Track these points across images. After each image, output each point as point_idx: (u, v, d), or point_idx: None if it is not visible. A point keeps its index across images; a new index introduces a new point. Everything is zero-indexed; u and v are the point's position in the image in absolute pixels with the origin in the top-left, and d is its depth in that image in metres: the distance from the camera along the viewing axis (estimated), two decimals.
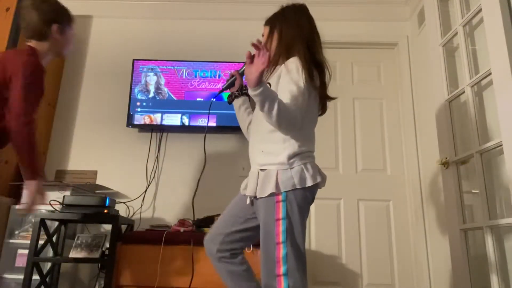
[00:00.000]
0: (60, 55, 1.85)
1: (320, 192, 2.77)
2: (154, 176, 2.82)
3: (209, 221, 2.35)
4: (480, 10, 1.89)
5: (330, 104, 1.53)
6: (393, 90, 3.01)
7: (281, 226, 1.34)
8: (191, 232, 2.26)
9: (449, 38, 2.20)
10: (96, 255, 2.30)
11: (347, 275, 2.64)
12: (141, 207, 2.74)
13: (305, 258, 1.37)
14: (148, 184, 2.79)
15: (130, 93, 2.84)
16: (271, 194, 1.37)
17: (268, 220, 1.38)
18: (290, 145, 1.41)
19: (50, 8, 1.75)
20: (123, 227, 2.50)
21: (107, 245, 2.31)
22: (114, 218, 2.24)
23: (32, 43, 1.70)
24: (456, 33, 2.12)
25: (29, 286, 2.10)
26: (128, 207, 2.71)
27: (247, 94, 1.72)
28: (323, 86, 1.50)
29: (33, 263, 2.14)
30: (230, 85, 1.70)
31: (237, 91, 1.71)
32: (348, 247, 2.70)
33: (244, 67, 1.66)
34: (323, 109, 1.57)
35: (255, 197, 1.43)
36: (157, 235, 2.19)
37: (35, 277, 2.15)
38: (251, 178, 1.48)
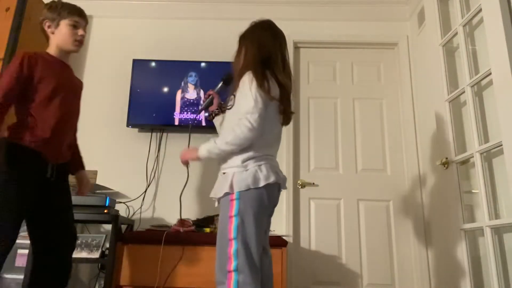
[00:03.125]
0: (67, 51, 1.83)
1: (320, 192, 2.80)
2: (154, 176, 2.82)
3: (209, 221, 2.35)
4: (480, 10, 1.89)
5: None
6: (393, 90, 3.01)
7: (233, 223, 1.44)
8: (191, 232, 2.26)
9: (449, 38, 2.20)
10: (96, 255, 2.30)
11: (347, 275, 2.65)
12: (141, 207, 2.74)
13: (257, 255, 1.43)
14: (148, 184, 2.79)
15: (130, 93, 2.84)
16: (226, 194, 1.49)
17: (223, 218, 1.49)
18: (245, 151, 1.51)
19: (45, 7, 1.85)
20: (123, 227, 2.50)
21: (107, 245, 2.31)
22: (114, 218, 2.24)
23: None
24: (456, 33, 2.12)
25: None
26: (128, 207, 2.71)
27: (224, 112, 1.82)
28: (285, 102, 1.59)
29: None
30: (208, 104, 1.83)
31: (216, 109, 1.81)
32: (348, 247, 2.69)
33: (219, 86, 1.84)
34: (286, 121, 1.66)
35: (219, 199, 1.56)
36: (157, 235, 2.19)
37: None
38: (216, 182, 1.62)
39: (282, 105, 1.59)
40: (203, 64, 2.90)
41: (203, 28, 3.11)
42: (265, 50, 1.62)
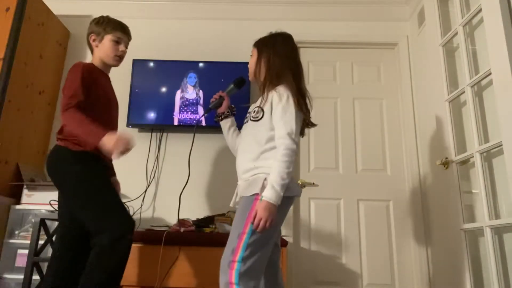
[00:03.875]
0: (108, 63, 1.94)
1: (320, 192, 2.80)
2: (154, 176, 2.82)
3: (209, 221, 2.35)
4: (480, 10, 1.89)
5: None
6: (393, 90, 3.01)
7: (252, 219, 1.43)
8: (191, 232, 2.26)
9: (449, 38, 2.20)
10: None
11: (347, 275, 2.64)
12: (141, 207, 2.74)
13: (267, 252, 1.47)
14: (148, 184, 2.79)
15: (130, 93, 2.84)
16: (255, 195, 1.48)
17: (242, 212, 1.48)
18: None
19: (93, 21, 1.96)
20: None
21: None
22: None
23: None
24: (456, 33, 2.12)
25: (29, 286, 2.11)
26: (128, 207, 2.71)
27: (234, 115, 1.84)
28: (307, 113, 1.62)
29: (33, 263, 2.14)
30: (218, 105, 1.81)
31: (227, 111, 1.80)
32: (348, 247, 2.70)
33: (230, 88, 1.81)
34: (302, 134, 1.68)
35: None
36: (157, 235, 2.19)
37: (35, 277, 2.15)
38: (238, 189, 1.62)
39: (307, 118, 1.62)
40: (202, 64, 2.90)
41: (203, 28, 3.11)
42: (293, 62, 1.64)
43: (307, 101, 1.63)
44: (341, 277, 2.64)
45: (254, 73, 1.68)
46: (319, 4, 3.14)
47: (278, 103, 1.53)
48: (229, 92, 1.82)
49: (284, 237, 2.27)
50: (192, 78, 2.88)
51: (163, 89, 2.86)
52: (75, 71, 1.77)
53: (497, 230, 1.78)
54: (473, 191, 2.03)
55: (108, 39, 1.90)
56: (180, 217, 2.54)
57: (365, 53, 3.09)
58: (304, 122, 1.62)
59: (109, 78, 2.00)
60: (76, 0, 3.18)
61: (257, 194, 1.47)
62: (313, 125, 1.67)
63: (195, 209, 2.71)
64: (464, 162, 2.06)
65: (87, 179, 1.73)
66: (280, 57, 1.63)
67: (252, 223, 1.42)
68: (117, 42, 1.92)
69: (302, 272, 2.66)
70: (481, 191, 1.83)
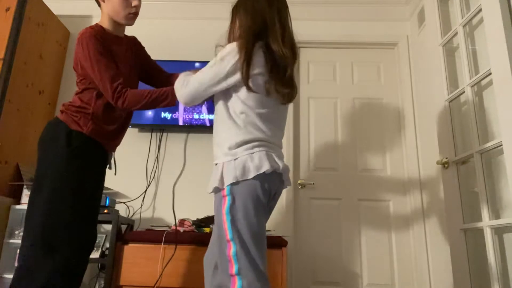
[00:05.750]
0: (119, 23, 1.65)
1: (320, 192, 2.80)
2: (154, 176, 2.82)
3: (209, 221, 2.35)
4: (480, 10, 1.89)
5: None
6: (393, 90, 3.01)
7: (226, 223, 1.28)
8: (191, 232, 2.26)
9: (449, 38, 2.20)
10: (96, 255, 2.30)
11: (347, 275, 2.64)
12: (141, 207, 2.74)
13: (261, 254, 1.28)
14: (148, 184, 2.79)
15: None
16: (218, 189, 1.33)
17: (218, 217, 1.33)
18: (231, 135, 1.35)
19: None
20: (123, 227, 2.50)
21: (107, 245, 2.31)
22: (114, 218, 2.24)
23: None
24: (456, 33, 2.12)
25: None
26: (128, 207, 2.71)
27: None
28: (275, 77, 1.38)
29: None
30: None
31: None
32: (348, 247, 2.70)
33: None
34: (284, 98, 1.42)
35: None
36: (157, 235, 2.19)
37: None
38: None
39: (272, 80, 1.37)
40: (203, 64, 2.89)
41: (203, 28, 3.11)
42: (259, 20, 1.42)
43: (282, 61, 1.39)
44: (341, 277, 2.64)
45: (228, 39, 1.51)
46: (319, 4, 3.14)
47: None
48: None
49: (284, 237, 2.27)
50: None
51: None
52: (89, 46, 1.50)
53: (497, 230, 1.78)
54: (473, 191, 2.03)
55: None
56: (180, 217, 2.55)
57: (365, 53, 3.09)
58: (275, 86, 1.38)
59: (122, 40, 1.69)
60: (76, 0, 3.18)
61: (221, 189, 1.32)
62: (283, 90, 1.39)
63: (195, 209, 2.72)
64: (464, 162, 2.06)
65: (64, 174, 1.47)
66: (248, 14, 1.44)
67: (230, 226, 1.28)
68: None
69: (302, 272, 2.66)
70: (481, 191, 1.83)
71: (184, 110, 2.83)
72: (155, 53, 3.04)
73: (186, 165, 2.84)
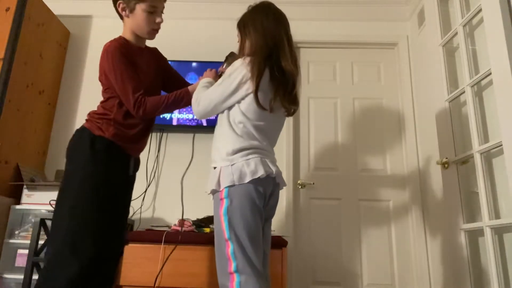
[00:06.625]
0: (142, 37, 1.73)
1: (320, 192, 2.80)
2: (154, 176, 2.82)
3: (209, 221, 2.35)
4: (480, 10, 1.89)
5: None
6: (393, 90, 3.01)
7: (224, 223, 1.39)
8: (191, 232, 2.26)
9: (449, 38, 2.20)
10: None
11: (347, 275, 2.64)
12: (141, 207, 2.74)
13: (257, 254, 1.37)
14: (148, 184, 2.79)
15: None
16: (216, 191, 1.44)
17: (216, 218, 1.43)
18: (229, 142, 1.46)
19: None
20: None
21: None
22: None
23: None
24: (456, 33, 2.12)
25: (29, 286, 2.11)
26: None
27: None
28: (283, 93, 1.48)
29: (33, 263, 2.14)
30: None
31: None
32: (348, 247, 2.70)
33: (225, 65, 1.71)
34: (289, 113, 1.58)
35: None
36: (157, 235, 2.18)
37: (35, 277, 2.15)
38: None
39: (278, 97, 1.47)
40: (202, 65, 2.89)
41: (203, 28, 3.11)
42: (270, 40, 1.51)
43: (290, 77, 1.50)
44: (341, 277, 2.64)
45: (239, 55, 1.60)
46: (319, 4, 3.14)
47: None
48: (227, 67, 1.70)
49: (284, 237, 2.27)
50: (192, 78, 2.88)
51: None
52: (114, 59, 1.59)
53: (497, 230, 1.78)
54: (473, 191, 2.03)
55: (140, 8, 1.63)
56: (180, 217, 2.54)
57: (365, 53, 3.09)
58: (281, 102, 1.49)
59: (143, 51, 1.77)
60: (76, 0, 3.18)
61: (219, 191, 1.43)
62: (291, 107, 1.54)
63: (195, 209, 2.71)
64: (464, 162, 2.06)
65: (87, 176, 1.56)
66: (258, 32, 1.52)
67: (228, 226, 1.38)
68: (151, 13, 1.65)
69: (302, 272, 2.66)
70: (481, 191, 1.83)
71: (180, 111, 2.83)
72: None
73: (186, 165, 2.84)
